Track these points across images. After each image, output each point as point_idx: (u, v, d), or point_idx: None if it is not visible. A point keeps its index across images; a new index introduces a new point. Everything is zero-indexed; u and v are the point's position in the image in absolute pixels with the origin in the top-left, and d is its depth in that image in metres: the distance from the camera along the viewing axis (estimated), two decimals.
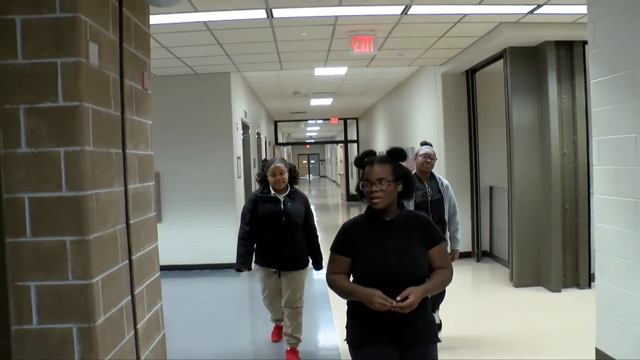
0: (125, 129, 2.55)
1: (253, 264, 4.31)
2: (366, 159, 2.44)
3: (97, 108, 2.27)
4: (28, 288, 2.09)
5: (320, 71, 8.58)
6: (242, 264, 4.22)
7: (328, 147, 38.54)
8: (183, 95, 7.98)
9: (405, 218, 2.44)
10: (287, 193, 4.20)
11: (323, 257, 4.12)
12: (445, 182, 4.56)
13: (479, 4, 4.83)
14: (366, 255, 2.37)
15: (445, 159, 7.92)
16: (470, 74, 7.81)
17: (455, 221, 4.53)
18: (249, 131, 10.11)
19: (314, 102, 13.63)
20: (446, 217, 4.45)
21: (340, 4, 4.76)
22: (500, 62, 6.63)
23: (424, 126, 9.18)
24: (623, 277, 3.59)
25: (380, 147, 14.26)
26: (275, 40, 6.08)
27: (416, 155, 4.51)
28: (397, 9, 4.94)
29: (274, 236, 4.15)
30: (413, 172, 4.08)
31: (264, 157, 12.16)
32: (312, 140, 32.77)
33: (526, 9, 5.06)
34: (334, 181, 32.66)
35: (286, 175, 4.16)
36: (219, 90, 8.05)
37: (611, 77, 3.65)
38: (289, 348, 4.36)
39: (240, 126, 8.87)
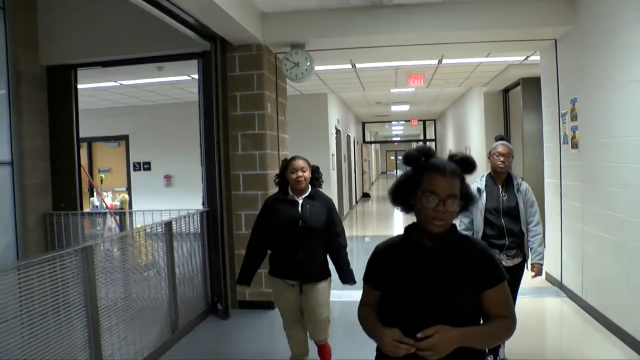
0: (279, 142, 5.79)
1: (268, 276, 3.84)
2: (425, 159, 1.84)
3: (269, 132, 5.53)
4: (240, 215, 5.40)
5: (394, 90, 11.54)
6: (244, 279, 3.81)
7: (414, 144, 40.94)
8: (293, 109, 11.26)
9: (455, 245, 1.83)
10: (306, 195, 3.70)
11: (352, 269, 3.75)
12: (524, 185, 3.93)
13: (487, 57, 7.59)
14: (395, 291, 1.82)
15: (485, 157, 10.58)
16: (505, 92, 10.44)
17: (536, 230, 3.84)
18: (340, 134, 13.25)
19: (394, 108, 16.49)
20: (523, 227, 3.83)
21: (396, 61, 7.73)
22: None
23: (474, 131, 11.85)
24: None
25: (450, 144, 16.93)
26: (358, 77, 9.15)
27: (490, 153, 3.95)
28: (434, 62, 7.85)
29: (290, 243, 3.62)
30: (488, 172, 3.98)
31: (332, 153, 15.17)
32: (398, 139, 35.48)
33: (522, 57, 7.73)
34: None
35: (308, 173, 3.68)
36: (319, 106, 11.23)
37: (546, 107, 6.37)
38: (318, 345, 3.90)
39: (334, 131, 12.02)
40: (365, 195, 22.10)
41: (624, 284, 4.40)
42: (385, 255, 1.91)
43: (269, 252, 3.85)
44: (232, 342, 4.86)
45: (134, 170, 11.69)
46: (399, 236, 1.93)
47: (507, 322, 1.79)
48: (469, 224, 3.88)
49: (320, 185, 3.86)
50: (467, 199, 1.84)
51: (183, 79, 8.39)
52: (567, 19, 5.33)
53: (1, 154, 5.46)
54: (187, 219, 5.21)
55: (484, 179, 3.95)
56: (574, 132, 5.47)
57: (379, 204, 19.70)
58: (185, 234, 5.21)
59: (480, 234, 3.80)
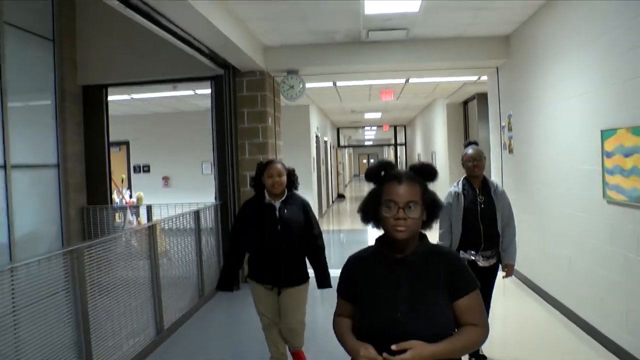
0: (276, 147, 7.20)
1: (247, 279, 3.81)
2: (384, 172, 1.85)
3: (270, 140, 6.95)
4: None
5: (368, 100, 13.05)
6: (224, 285, 3.82)
7: (385, 148, 42.66)
8: (281, 119, 12.67)
9: (426, 255, 1.80)
10: (283, 199, 3.68)
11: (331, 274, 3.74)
12: (501, 188, 4.03)
13: (444, 77, 9.10)
14: (367, 304, 1.78)
15: (448, 162, 12.15)
16: (464, 104, 12.03)
17: (511, 232, 3.95)
18: (319, 139, 14.69)
19: (368, 115, 18.02)
20: (500, 229, 3.90)
21: (371, 79, 9.20)
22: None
23: (439, 137, 13.42)
24: None
25: (419, 148, 18.55)
26: (338, 93, 10.60)
27: (462, 159, 4.05)
28: (402, 81, 9.35)
29: (268, 247, 3.60)
30: (464, 177, 4.04)
31: (313, 156, 16.65)
32: (370, 143, 37.12)
33: (474, 78, 9.27)
34: None
35: (284, 178, 3.65)
36: (303, 116, 12.63)
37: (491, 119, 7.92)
38: (293, 353, 3.92)
39: (314, 138, 13.45)
40: (340, 196, 23.60)
41: (541, 254, 5.92)
42: (357, 266, 1.89)
43: (247, 255, 3.83)
44: (244, 304, 6.23)
45: (135, 172, 12.91)
46: (370, 247, 1.91)
47: (479, 331, 1.76)
48: (448, 227, 3.88)
49: (296, 188, 3.82)
50: (432, 205, 1.82)
51: (188, 94, 9.71)
52: (503, 53, 6.87)
53: (50, 158, 6.71)
54: (210, 209, 6.57)
55: (460, 183, 4.01)
56: (510, 140, 7.01)
57: (352, 204, 21.17)
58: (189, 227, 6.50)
59: (459, 237, 3.87)
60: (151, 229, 4.92)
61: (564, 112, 5.10)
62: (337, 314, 1.95)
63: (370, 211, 1.84)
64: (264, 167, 3.70)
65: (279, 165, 3.67)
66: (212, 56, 6.27)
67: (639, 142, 3.65)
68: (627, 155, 3.82)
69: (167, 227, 5.53)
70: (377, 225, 1.84)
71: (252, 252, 3.75)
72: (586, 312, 4.73)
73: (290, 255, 3.64)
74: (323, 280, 3.79)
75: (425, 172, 1.85)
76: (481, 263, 3.88)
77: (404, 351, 1.64)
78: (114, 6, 4.22)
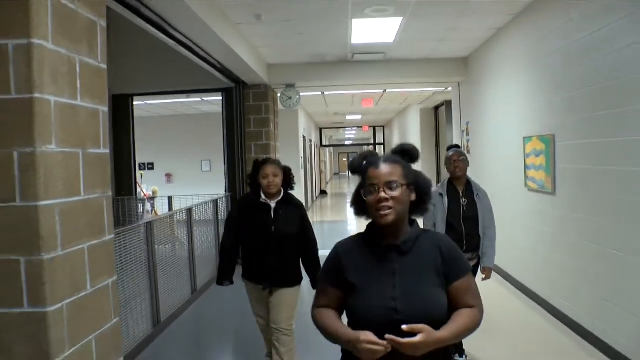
0: (276, 148, 8.69)
1: (241, 278, 3.71)
2: (366, 161, 1.81)
3: (271, 142, 8.41)
4: None
5: (351, 105, 14.61)
6: (223, 279, 3.72)
7: (365, 147, 44.31)
8: None
9: (418, 240, 1.77)
10: (279, 199, 3.60)
11: None
12: (483, 190, 4.11)
13: (416, 88, 10.68)
14: (361, 291, 1.73)
15: (421, 161, 13.73)
16: (435, 110, 13.65)
17: (491, 235, 4.03)
18: (305, 139, 16.20)
19: (349, 117, 19.60)
20: (481, 232, 3.98)
21: (354, 90, 10.74)
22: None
23: (413, 138, 15.03)
24: None
25: None
26: (325, 100, 12.13)
27: (445, 162, 4.12)
28: (380, 91, 10.91)
29: (261, 248, 3.54)
30: (448, 178, 4.07)
31: (301, 156, 18.16)
32: (350, 142, 38.73)
33: (442, 88, 10.86)
34: None
35: (279, 179, 3.57)
36: (292, 119, 14.10)
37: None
38: None
39: (302, 138, 14.95)
40: (323, 192, 25.14)
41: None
42: (348, 251, 1.82)
43: (241, 254, 3.77)
44: None
45: (140, 169, 14.25)
46: (359, 234, 1.86)
47: (477, 313, 1.75)
48: (432, 227, 3.89)
49: (292, 188, 3.75)
50: (419, 185, 1.79)
51: (195, 100, 11.15)
52: (462, 72, 8.46)
53: None
54: (222, 199, 8.03)
55: (444, 184, 4.08)
56: (468, 143, 8.60)
57: (333, 199, 22.73)
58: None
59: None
60: (189, 212, 6.38)
61: (502, 122, 6.70)
62: (318, 306, 1.85)
63: (359, 203, 1.81)
64: (259, 166, 3.61)
65: (273, 166, 3.57)
66: (225, 71, 7.68)
67: (544, 147, 5.23)
68: (537, 156, 5.41)
69: (198, 215, 6.94)
70: (368, 216, 1.79)
71: (245, 252, 3.70)
72: (522, 275, 6.32)
73: (282, 256, 3.56)
74: (317, 282, 3.80)
75: (405, 153, 1.81)
76: None
77: (411, 335, 1.58)
78: (151, 33, 5.53)
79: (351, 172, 1.87)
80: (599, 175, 4.22)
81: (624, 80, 3.79)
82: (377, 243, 1.77)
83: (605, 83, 4.06)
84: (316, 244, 3.77)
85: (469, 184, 4.08)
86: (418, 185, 1.79)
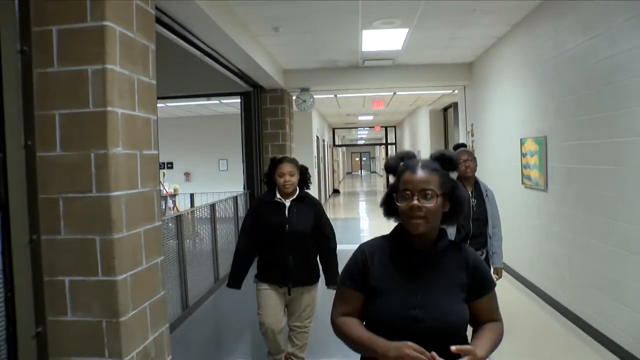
0: (291, 148, 9.24)
1: (254, 280, 3.72)
2: (402, 163, 1.77)
3: (287, 143, 8.96)
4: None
5: (363, 106, 15.12)
6: (233, 283, 3.75)
7: (377, 147, 44.75)
8: None
9: (446, 252, 1.75)
10: (294, 197, 3.61)
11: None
12: (490, 190, 4.14)
13: (425, 90, 11.15)
14: (383, 295, 1.70)
15: None
16: (444, 111, 14.11)
17: (499, 235, 4.08)
18: (319, 139, 16.73)
19: (361, 117, 20.11)
20: (490, 231, 4.01)
21: (364, 92, 11.25)
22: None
23: (423, 138, 15.50)
24: None
25: (407, 147, 20.63)
26: (337, 102, 12.65)
27: None
28: (390, 94, 11.41)
29: (277, 247, 3.56)
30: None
31: (315, 155, 18.67)
32: (363, 142, 39.22)
33: (450, 91, 11.33)
34: (382, 175, 39.11)
35: (296, 178, 3.59)
36: (306, 120, 14.64)
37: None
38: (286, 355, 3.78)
39: (315, 138, 15.49)
40: (336, 191, 25.66)
41: None
42: (372, 253, 1.76)
43: (257, 256, 3.76)
44: None
45: (160, 168, 14.87)
46: (384, 236, 1.81)
47: (501, 326, 1.77)
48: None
49: (308, 187, 3.75)
50: (454, 196, 1.73)
51: (214, 102, 11.73)
52: (467, 76, 8.94)
53: None
54: (241, 196, 8.59)
55: None
56: (473, 143, 9.07)
57: (345, 198, 23.25)
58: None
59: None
60: (212, 207, 6.93)
61: (503, 124, 7.17)
62: (342, 313, 1.78)
63: (390, 204, 1.76)
64: (275, 164, 3.64)
65: (290, 165, 3.60)
66: (243, 77, 8.21)
67: (537, 148, 5.71)
68: (532, 156, 5.89)
69: (218, 211, 7.49)
70: (397, 218, 1.76)
71: (262, 253, 3.70)
72: (520, 266, 6.79)
73: (299, 255, 3.57)
74: (332, 279, 3.68)
75: (444, 161, 1.76)
76: None
77: (456, 355, 1.54)
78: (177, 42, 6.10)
79: (386, 172, 1.84)
80: (583, 173, 4.70)
81: (603, 89, 4.27)
82: (405, 248, 1.74)
83: (588, 91, 4.54)
84: (333, 239, 3.75)
85: (477, 183, 4.12)
86: (453, 196, 1.74)
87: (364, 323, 1.76)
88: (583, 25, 4.56)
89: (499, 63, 7.30)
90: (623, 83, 3.96)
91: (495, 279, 3.72)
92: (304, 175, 3.71)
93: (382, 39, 6.99)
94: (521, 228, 6.43)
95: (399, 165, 1.76)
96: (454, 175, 1.80)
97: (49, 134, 2.58)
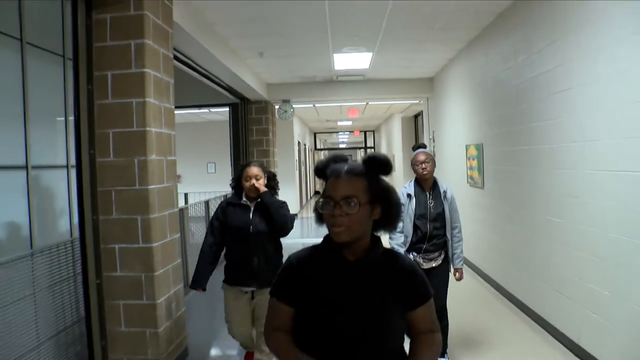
0: (274, 153, 10.43)
1: (222, 286, 3.77)
2: (329, 168, 1.67)
3: (271, 148, 10.17)
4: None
5: (340, 114, 16.34)
6: (197, 283, 3.71)
7: (358, 150, 45.95)
8: None
9: (380, 261, 1.66)
10: (259, 200, 3.61)
11: None
12: (450, 191, 4.04)
13: (394, 101, 12.39)
14: (311, 309, 1.63)
15: (403, 164, 15.46)
16: (415, 118, 15.38)
17: (460, 236, 4.00)
18: (300, 144, 17.91)
19: (340, 123, 21.34)
20: (448, 233, 3.93)
21: (340, 103, 12.46)
22: None
23: (397, 143, 16.76)
24: None
25: (384, 150, 21.89)
26: (316, 110, 13.86)
27: (412, 162, 4.00)
28: (363, 104, 12.64)
29: (243, 249, 3.57)
30: (414, 178, 4.00)
31: (296, 159, 19.86)
32: (344, 146, 40.51)
33: (418, 100, 12.58)
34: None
35: (262, 181, 3.59)
36: (288, 126, 15.79)
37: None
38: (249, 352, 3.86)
39: (297, 143, 16.66)
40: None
41: None
42: (302, 265, 1.68)
43: (224, 261, 3.80)
44: None
45: None
46: (315, 246, 1.72)
47: (438, 336, 1.70)
48: (401, 227, 3.84)
49: (276, 193, 3.73)
50: (386, 200, 1.63)
51: (204, 111, 12.87)
52: (429, 89, 10.21)
53: None
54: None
55: (411, 184, 4.02)
56: (434, 148, 10.32)
57: None
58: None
59: (410, 239, 3.88)
60: (206, 203, 8.06)
61: (455, 131, 8.43)
62: (275, 328, 1.70)
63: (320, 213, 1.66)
64: (242, 168, 3.71)
65: (256, 168, 3.63)
66: (231, 90, 9.37)
67: (477, 152, 6.96)
68: (472, 160, 7.14)
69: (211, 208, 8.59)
70: None
71: (228, 255, 3.75)
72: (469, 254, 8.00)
73: (263, 255, 3.59)
74: (269, 196, 3.61)
75: (375, 164, 1.63)
76: (424, 265, 3.85)
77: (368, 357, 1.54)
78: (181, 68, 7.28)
79: (317, 177, 1.74)
80: (508, 173, 5.94)
81: (515, 107, 5.51)
82: (335, 259, 1.65)
83: (506, 109, 5.79)
84: (287, 209, 3.68)
85: (435, 184, 4.03)
86: (385, 202, 1.64)
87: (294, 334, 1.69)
88: (501, 57, 5.82)
89: (452, 80, 8.56)
90: (529, 104, 5.20)
91: (456, 279, 4.03)
92: (270, 182, 3.71)
93: (351, 60, 8.20)
94: (469, 221, 7.67)
95: (327, 170, 1.68)
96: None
97: (105, 146, 3.74)
